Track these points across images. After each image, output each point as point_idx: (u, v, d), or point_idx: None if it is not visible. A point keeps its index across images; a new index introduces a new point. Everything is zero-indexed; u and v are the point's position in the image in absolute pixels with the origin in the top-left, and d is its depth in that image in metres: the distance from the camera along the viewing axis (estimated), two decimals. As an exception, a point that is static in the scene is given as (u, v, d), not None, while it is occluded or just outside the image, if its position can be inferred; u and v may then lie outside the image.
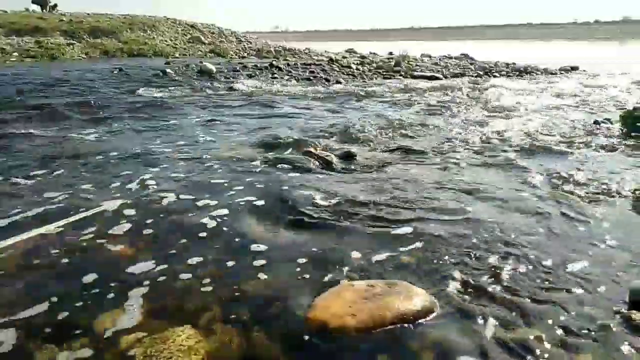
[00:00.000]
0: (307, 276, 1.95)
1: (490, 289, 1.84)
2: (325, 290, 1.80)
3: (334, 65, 13.58)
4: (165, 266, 2.02)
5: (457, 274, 1.95)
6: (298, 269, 2.01)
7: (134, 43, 18.18)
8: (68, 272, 1.98)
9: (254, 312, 1.70)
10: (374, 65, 14.63)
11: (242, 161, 3.74)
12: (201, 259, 2.09)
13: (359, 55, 19.59)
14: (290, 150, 4.14)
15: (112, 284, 1.87)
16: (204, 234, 2.35)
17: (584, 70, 14.16)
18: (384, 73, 12.72)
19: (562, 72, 14.02)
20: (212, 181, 3.21)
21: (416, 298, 1.71)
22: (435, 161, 3.86)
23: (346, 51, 21.63)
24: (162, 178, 3.26)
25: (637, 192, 2.95)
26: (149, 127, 5.16)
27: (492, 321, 1.63)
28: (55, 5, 23.94)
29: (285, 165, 3.62)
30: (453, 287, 1.86)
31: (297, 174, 3.42)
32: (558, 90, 8.95)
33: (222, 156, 3.87)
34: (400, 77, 11.92)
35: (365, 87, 9.53)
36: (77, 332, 1.58)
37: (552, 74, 13.55)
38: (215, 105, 6.90)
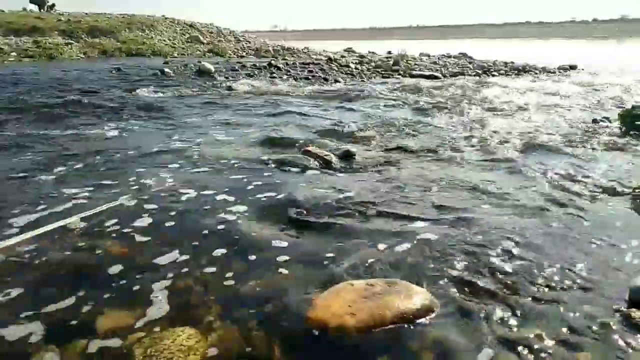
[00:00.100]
0: (307, 275, 1.95)
1: (490, 288, 1.84)
2: (325, 290, 1.79)
3: (332, 65, 13.57)
4: (164, 266, 2.02)
5: (457, 273, 1.95)
6: (298, 268, 2.01)
7: (132, 43, 18.18)
8: (66, 272, 1.98)
9: (254, 311, 1.70)
10: (373, 64, 14.63)
11: (240, 161, 3.73)
12: (200, 258, 2.09)
13: (357, 54, 19.59)
14: (289, 149, 4.14)
15: (111, 284, 1.87)
16: (202, 234, 2.35)
17: (583, 69, 14.18)
18: (383, 72, 12.72)
19: (561, 70, 14.03)
20: (208, 181, 3.20)
21: (416, 297, 1.71)
22: (435, 160, 3.86)
23: (345, 50, 21.62)
24: (161, 177, 3.25)
25: (636, 190, 2.95)
26: (148, 127, 5.15)
27: (492, 320, 1.63)
28: (53, 5, 23.92)
29: (285, 165, 3.61)
30: (453, 285, 1.86)
31: (297, 174, 3.42)
32: (557, 89, 8.96)
33: (220, 156, 3.86)
34: (399, 77, 11.92)
35: (364, 86, 9.52)
36: (78, 331, 1.58)
37: (550, 72, 13.56)
38: (213, 105, 6.88)
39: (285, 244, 2.25)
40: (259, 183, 3.17)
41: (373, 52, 21.12)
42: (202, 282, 1.89)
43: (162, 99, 7.32)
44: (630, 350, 1.48)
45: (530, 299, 1.76)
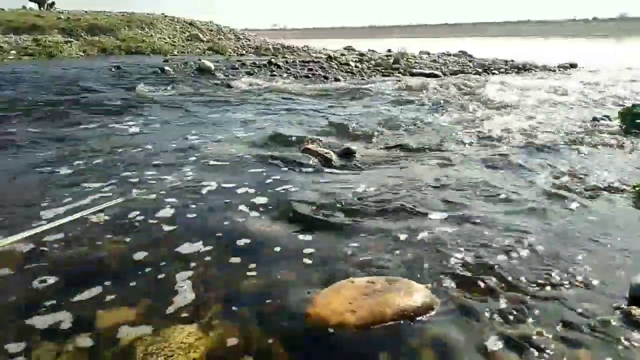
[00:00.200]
0: (307, 273, 1.95)
1: (490, 285, 1.84)
2: (325, 287, 1.80)
3: (332, 63, 13.55)
4: (164, 263, 2.02)
5: (457, 270, 1.95)
6: (298, 266, 2.01)
7: (132, 41, 18.14)
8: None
9: (254, 308, 1.70)
10: (373, 62, 14.61)
11: (240, 158, 3.73)
12: (200, 255, 2.09)
13: (357, 52, 19.55)
14: (289, 147, 4.14)
15: (110, 281, 1.87)
16: (202, 231, 2.35)
17: (583, 67, 14.17)
18: (383, 70, 12.70)
19: (561, 69, 14.01)
20: (208, 178, 3.20)
21: (416, 294, 1.71)
22: (435, 158, 3.86)
23: (345, 49, 21.56)
24: (161, 176, 3.25)
25: (637, 188, 2.95)
26: (147, 126, 5.15)
27: (492, 317, 1.64)
28: (53, 3, 23.88)
29: (285, 163, 3.61)
30: (453, 283, 1.86)
31: (297, 172, 3.42)
32: (557, 87, 8.94)
33: (219, 153, 3.86)
34: (399, 75, 11.91)
35: (364, 84, 9.51)
36: (78, 328, 1.57)
37: (550, 70, 13.55)
38: (213, 102, 6.88)
39: (284, 241, 2.25)
40: (258, 181, 3.17)
41: (373, 51, 21.08)
42: (202, 279, 1.89)
43: (162, 97, 7.31)
44: (631, 348, 1.48)
45: (530, 296, 1.76)
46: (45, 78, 8.86)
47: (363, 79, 10.83)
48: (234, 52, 19.06)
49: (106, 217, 2.50)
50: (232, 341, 1.52)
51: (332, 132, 4.85)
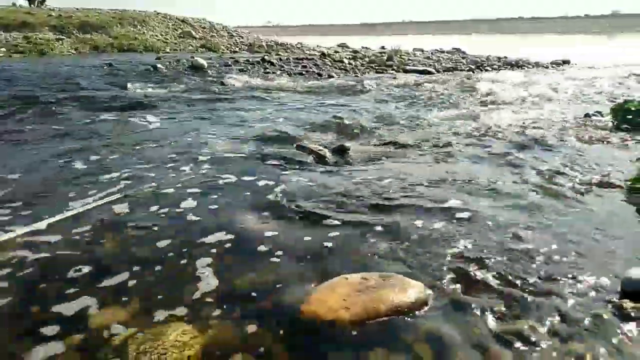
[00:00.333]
0: (302, 269, 1.95)
1: (484, 281, 1.84)
2: (320, 284, 1.79)
3: (326, 60, 13.53)
4: (157, 261, 2.01)
5: (451, 266, 1.96)
6: (292, 263, 2.01)
7: (124, 38, 18.02)
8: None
9: (249, 306, 1.70)
10: (367, 59, 14.61)
11: (234, 155, 3.71)
12: (194, 253, 2.08)
13: (351, 49, 19.53)
14: (282, 144, 4.13)
15: (104, 278, 1.86)
16: (195, 228, 2.34)
17: (575, 64, 14.24)
18: (377, 67, 12.70)
19: (554, 65, 14.08)
20: (203, 176, 3.19)
21: (410, 290, 1.71)
22: (429, 154, 3.86)
23: (338, 46, 21.55)
24: (154, 174, 3.23)
25: (628, 183, 2.97)
26: (136, 123, 5.11)
27: (485, 312, 1.64)
28: (44, 0, 23.63)
29: (279, 160, 3.60)
30: (447, 278, 1.86)
31: (291, 169, 3.41)
32: (550, 83, 8.99)
33: (213, 151, 3.85)
34: (393, 72, 11.91)
35: (357, 81, 9.51)
36: (71, 328, 1.56)
37: (543, 67, 13.62)
38: (206, 100, 6.85)
39: (278, 238, 2.24)
40: (252, 178, 3.16)
41: (367, 48, 21.07)
42: (196, 277, 1.88)
43: (153, 95, 7.26)
44: (623, 341, 1.49)
45: (523, 291, 1.77)
46: (35, 76, 8.77)
47: (357, 76, 10.82)
48: (227, 50, 18.99)
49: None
50: (227, 339, 1.52)
51: (326, 128, 4.84)
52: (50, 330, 1.56)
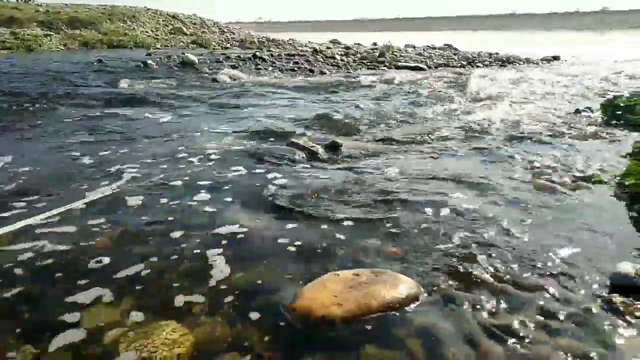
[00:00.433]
0: (293, 266, 1.94)
1: (474, 276, 1.85)
2: (311, 280, 1.79)
3: (318, 56, 13.50)
4: (148, 259, 1.99)
5: (442, 261, 1.96)
6: (284, 259, 2.00)
7: (114, 34, 17.84)
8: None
9: (240, 303, 1.69)
10: (358, 56, 14.60)
11: (226, 153, 3.69)
12: (185, 250, 2.06)
13: (343, 46, 19.52)
14: (275, 141, 4.11)
15: (93, 275, 1.84)
16: (187, 226, 2.32)
17: (565, 60, 14.35)
18: (369, 64, 12.70)
19: (544, 61, 14.18)
20: (194, 174, 3.17)
21: (402, 286, 1.72)
22: (420, 151, 3.87)
23: (330, 42, 21.52)
24: (146, 169, 3.21)
25: (617, 179, 3.00)
26: (130, 120, 5.07)
27: (476, 307, 1.65)
28: (31, -5, 23.31)
29: (270, 157, 3.59)
30: (438, 274, 1.87)
31: (283, 166, 3.40)
32: (540, 79, 9.05)
33: (205, 148, 3.82)
34: (385, 68, 11.92)
35: (349, 77, 9.50)
36: (61, 326, 1.54)
37: (534, 63, 13.70)
38: (197, 96, 6.80)
39: (270, 235, 2.23)
40: (244, 175, 3.14)
41: (359, 44, 21.07)
42: (186, 274, 1.87)
43: (144, 91, 7.19)
44: (612, 335, 1.50)
45: (514, 286, 1.78)
46: (25, 72, 8.65)
47: (349, 72, 10.81)
48: (219, 46, 18.88)
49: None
50: (217, 336, 1.51)
51: (318, 125, 4.83)
52: (40, 327, 1.54)
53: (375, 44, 20.71)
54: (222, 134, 4.43)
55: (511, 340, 1.48)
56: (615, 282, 1.76)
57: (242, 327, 1.56)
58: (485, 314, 1.61)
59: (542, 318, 1.59)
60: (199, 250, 2.07)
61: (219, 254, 2.04)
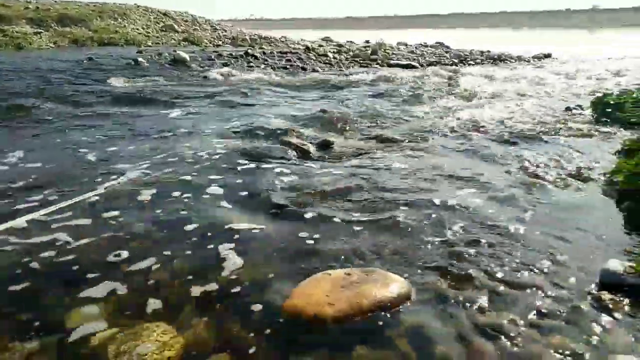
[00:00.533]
0: (285, 265, 1.94)
1: (465, 274, 1.85)
2: (302, 280, 1.78)
3: (310, 54, 13.47)
4: (139, 259, 1.97)
5: (433, 260, 1.96)
6: (275, 259, 1.99)
7: (104, 32, 17.66)
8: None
9: (231, 303, 1.68)
10: (351, 53, 14.58)
11: (218, 151, 3.67)
12: (176, 250, 2.05)
13: (335, 43, 19.49)
14: (266, 139, 4.10)
15: (85, 276, 1.82)
16: (178, 226, 2.30)
17: (557, 58, 14.44)
18: (361, 61, 12.69)
19: (536, 59, 14.27)
20: (187, 173, 3.14)
21: (393, 285, 1.72)
22: (412, 149, 3.87)
23: (322, 39, 21.46)
24: (142, 170, 3.18)
25: (607, 176, 3.02)
26: (123, 120, 5.02)
27: (467, 305, 1.65)
28: (20, -8, 22.98)
29: (263, 155, 3.57)
30: (429, 273, 1.87)
31: (274, 164, 3.39)
32: (531, 77, 9.10)
33: (197, 147, 3.80)
34: (377, 66, 11.92)
35: (342, 75, 9.49)
36: (47, 329, 1.53)
37: (525, 61, 13.78)
38: (189, 94, 6.74)
39: (261, 234, 2.22)
40: (236, 174, 3.13)
41: (351, 42, 21.04)
42: (176, 275, 1.86)
43: (133, 89, 7.13)
44: (601, 332, 1.51)
45: (504, 284, 1.79)
46: (14, 70, 8.54)
47: (341, 70, 10.80)
48: (210, 43, 18.76)
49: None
50: (208, 337, 1.50)
51: (310, 123, 4.81)
52: (29, 326, 1.52)
53: (367, 41, 20.71)
54: (212, 132, 4.40)
55: (502, 339, 1.48)
56: (604, 280, 1.77)
57: (233, 327, 1.55)
58: (476, 312, 1.62)
59: (532, 316, 1.60)
60: (185, 248, 2.06)
61: (209, 252, 2.03)
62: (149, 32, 19.43)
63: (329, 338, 1.50)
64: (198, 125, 4.69)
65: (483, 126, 4.68)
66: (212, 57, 11.94)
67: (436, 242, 2.13)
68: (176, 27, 20.81)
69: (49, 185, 2.87)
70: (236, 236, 2.20)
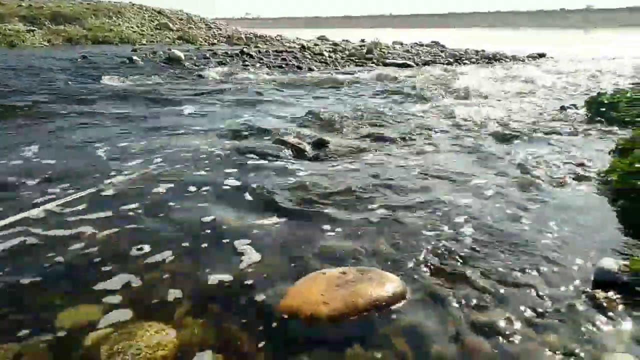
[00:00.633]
0: (280, 265, 1.93)
1: (460, 273, 1.85)
2: (298, 279, 1.78)
3: (306, 53, 13.47)
4: (130, 257, 1.96)
5: (428, 259, 1.96)
6: (270, 258, 1.98)
7: (98, 30, 17.58)
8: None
9: (226, 302, 1.67)
10: (347, 52, 14.59)
11: (212, 150, 3.66)
12: (171, 249, 2.03)
13: (331, 42, 19.50)
14: (262, 138, 4.08)
15: (79, 276, 1.81)
16: (173, 225, 2.29)
17: (551, 57, 14.50)
18: (357, 60, 12.70)
19: (530, 59, 14.33)
20: (180, 172, 3.13)
21: (388, 284, 1.71)
22: (407, 148, 3.88)
23: (318, 38, 21.46)
24: (136, 169, 3.16)
25: (601, 175, 3.03)
26: (118, 118, 4.99)
27: (462, 304, 1.65)
28: (13, -11, 22.83)
29: (258, 154, 3.56)
30: (424, 271, 1.87)
31: (270, 163, 3.38)
32: (526, 77, 9.13)
33: (191, 146, 3.78)
34: (373, 65, 11.93)
35: (337, 74, 9.49)
36: (41, 328, 1.51)
37: (520, 60, 13.83)
38: (183, 93, 6.73)
39: (256, 233, 2.21)
40: (231, 172, 3.11)
41: (347, 41, 21.06)
42: (171, 274, 1.84)
43: (127, 88, 7.10)
44: (596, 330, 1.52)
45: (499, 282, 1.79)
46: (6, 68, 8.48)
47: (337, 69, 10.80)
48: (205, 42, 18.72)
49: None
50: (203, 337, 1.49)
51: (305, 122, 4.81)
52: (20, 324, 1.50)
53: (363, 40, 20.73)
54: (207, 131, 4.38)
55: (497, 337, 1.48)
56: (599, 278, 1.77)
57: (228, 326, 1.54)
58: (471, 311, 1.62)
59: (527, 314, 1.60)
60: (183, 249, 2.05)
61: (201, 253, 2.02)
62: (144, 31, 19.37)
63: (325, 337, 1.50)
64: (189, 124, 4.67)
65: (477, 125, 4.69)
66: (207, 55, 11.92)
67: (431, 241, 2.13)
68: (171, 25, 20.76)
69: (43, 182, 2.85)
70: (230, 235, 2.18)
